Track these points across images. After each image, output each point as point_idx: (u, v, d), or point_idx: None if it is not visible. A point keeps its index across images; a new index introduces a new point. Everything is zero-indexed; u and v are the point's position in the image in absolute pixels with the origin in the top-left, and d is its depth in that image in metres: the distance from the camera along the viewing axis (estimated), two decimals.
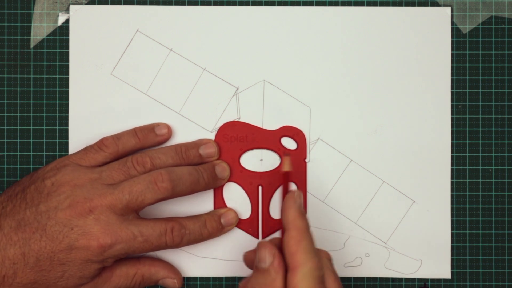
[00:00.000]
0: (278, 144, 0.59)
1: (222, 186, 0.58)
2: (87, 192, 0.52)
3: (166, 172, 0.53)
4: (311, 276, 0.48)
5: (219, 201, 0.58)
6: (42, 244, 0.51)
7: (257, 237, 0.59)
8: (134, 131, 0.57)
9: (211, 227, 0.56)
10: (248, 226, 0.58)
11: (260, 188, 0.58)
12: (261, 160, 0.59)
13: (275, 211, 0.59)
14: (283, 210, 0.51)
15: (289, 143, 0.59)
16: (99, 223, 0.52)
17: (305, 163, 0.59)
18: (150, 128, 0.58)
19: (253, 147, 0.58)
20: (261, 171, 0.58)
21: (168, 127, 0.58)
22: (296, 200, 0.51)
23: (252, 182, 0.58)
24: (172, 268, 0.57)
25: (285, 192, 0.52)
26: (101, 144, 0.56)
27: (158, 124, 0.58)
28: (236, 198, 0.59)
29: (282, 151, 0.58)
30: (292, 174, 0.58)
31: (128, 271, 0.56)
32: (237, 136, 0.58)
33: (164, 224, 0.54)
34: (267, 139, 0.59)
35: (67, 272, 0.52)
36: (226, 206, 0.58)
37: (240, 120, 0.59)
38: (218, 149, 0.58)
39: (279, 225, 0.54)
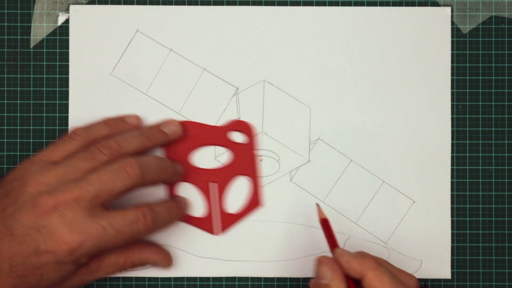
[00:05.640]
0: (226, 139, 0.59)
1: (174, 185, 0.58)
2: (52, 189, 0.51)
3: (134, 159, 0.53)
4: None
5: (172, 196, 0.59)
6: (12, 250, 0.50)
7: (214, 233, 0.59)
8: (105, 121, 0.57)
9: (177, 209, 0.56)
10: (204, 223, 0.59)
11: (211, 184, 0.58)
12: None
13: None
14: (344, 262, 0.50)
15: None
16: (64, 221, 0.50)
17: (255, 155, 0.59)
18: (120, 118, 0.58)
19: (201, 144, 0.59)
20: (212, 168, 0.58)
21: (138, 117, 0.58)
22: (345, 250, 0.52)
23: (204, 180, 0.58)
24: (161, 251, 0.57)
25: (328, 236, 0.53)
26: (72, 134, 0.55)
27: (128, 115, 0.58)
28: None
29: (231, 146, 0.58)
30: (242, 166, 0.59)
31: (117, 260, 0.55)
32: (185, 135, 0.58)
33: (134, 211, 0.52)
34: (215, 136, 0.59)
35: (45, 274, 0.50)
36: None
37: (187, 120, 0.59)
38: (182, 128, 0.58)
39: (237, 219, 0.58)
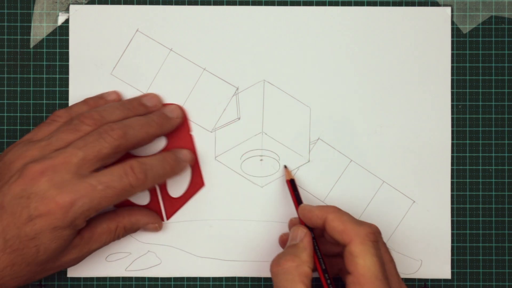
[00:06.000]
0: None
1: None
2: (38, 158, 0.51)
3: (115, 123, 0.53)
4: (369, 240, 0.49)
5: None
6: (4, 223, 0.49)
7: (162, 219, 0.59)
8: (85, 100, 0.57)
9: (171, 158, 0.55)
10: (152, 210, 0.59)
11: None
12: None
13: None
14: (306, 212, 0.53)
15: None
16: (53, 184, 0.49)
17: (190, 136, 0.59)
18: (100, 96, 0.58)
19: None
20: (151, 155, 0.58)
21: (117, 93, 0.58)
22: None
23: None
24: (151, 214, 0.58)
25: (294, 196, 0.56)
26: (54, 116, 0.55)
27: (107, 92, 0.58)
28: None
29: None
30: (181, 148, 0.58)
31: (109, 226, 0.55)
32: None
33: (121, 166, 0.52)
34: None
35: (41, 246, 0.50)
36: None
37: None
38: (162, 102, 0.58)
39: (182, 203, 0.58)
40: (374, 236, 0.50)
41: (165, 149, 0.59)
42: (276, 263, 0.51)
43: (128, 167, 0.52)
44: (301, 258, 0.51)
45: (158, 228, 0.58)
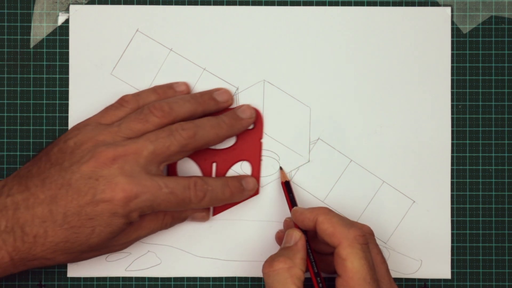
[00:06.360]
0: None
1: (175, 163, 0.58)
2: (109, 144, 0.52)
3: (187, 122, 0.54)
4: (357, 243, 0.50)
5: (173, 175, 0.58)
6: (68, 199, 0.51)
7: (212, 215, 0.59)
8: (154, 88, 0.57)
9: (233, 186, 0.56)
10: None
11: (214, 165, 0.58)
12: None
13: None
14: (298, 215, 0.53)
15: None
16: (123, 173, 0.51)
17: (260, 143, 0.59)
18: (169, 85, 0.58)
19: None
20: (215, 149, 0.58)
21: (187, 84, 0.58)
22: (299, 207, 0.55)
23: (206, 159, 0.58)
24: None
25: (288, 198, 0.56)
26: (121, 100, 0.56)
27: (177, 82, 0.58)
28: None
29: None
30: (246, 152, 0.58)
31: (157, 214, 0.55)
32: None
33: (187, 179, 0.54)
34: None
35: (97, 227, 0.51)
36: None
37: None
38: (233, 98, 0.58)
39: (231, 204, 0.58)
40: (363, 239, 0.50)
41: (231, 148, 0.58)
42: (268, 264, 0.51)
43: (192, 182, 0.54)
44: (294, 261, 0.51)
45: (206, 217, 0.58)
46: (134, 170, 0.51)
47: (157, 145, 0.52)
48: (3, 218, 0.50)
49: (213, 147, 0.58)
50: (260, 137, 0.59)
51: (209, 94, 0.57)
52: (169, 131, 0.53)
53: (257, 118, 0.59)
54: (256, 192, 0.58)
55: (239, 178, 0.57)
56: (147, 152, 0.52)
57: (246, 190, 0.57)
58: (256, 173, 0.59)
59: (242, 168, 0.59)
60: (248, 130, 0.59)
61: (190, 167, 0.59)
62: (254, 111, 0.58)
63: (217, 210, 0.59)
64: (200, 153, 0.58)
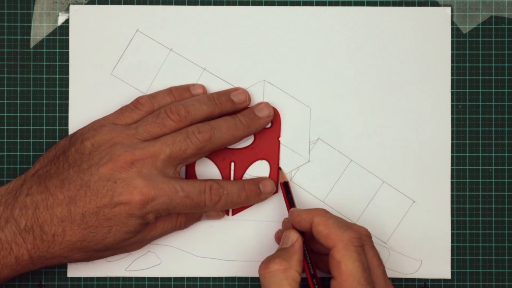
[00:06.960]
0: None
1: (194, 163, 0.58)
2: (127, 147, 0.53)
3: (203, 124, 0.54)
4: (352, 245, 0.50)
5: (191, 176, 0.58)
6: (87, 200, 0.52)
7: (228, 214, 0.59)
8: (169, 90, 0.57)
9: (250, 190, 0.56)
10: None
11: (232, 164, 0.58)
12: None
13: None
14: (295, 216, 0.53)
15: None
16: (141, 176, 0.52)
17: (278, 141, 0.59)
18: (186, 88, 0.58)
19: None
20: (234, 148, 0.58)
21: (203, 87, 0.58)
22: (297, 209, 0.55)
23: (224, 158, 0.58)
24: None
25: (286, 199, 0.57)
26: (137, 103, 0.56)
27: (193, 84, 0.58)
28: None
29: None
30: (264, 151, 0.58)
31: (172, 214, 0.56)
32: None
33: (203, 183, 0.54)
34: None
35: (113, 227, 0.52)
36: None
37: None
38: (250, 98, 0.58)
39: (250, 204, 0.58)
40: (359, 241, 0.50)
41: (250, 148, 0.58)
42: (264, 265, 0.51)
43: (208, 186, 0.54)
44: (290, 262, 0.51)
45: (221, 215, 0.58)
46: (152, 173, 0.52)
47: (174, 148, 0.53)
48: (23, 217, 0.51)
49: (231, 146, 0.58)
50: (278, 136, 0.59)
51: (226, 95, 0.57)
52: (186, 134, 0.53)
53: (275, 117, 0.59)
54: (275, 191, 0.58)
55: (257, 181, 0.57)
56: (164, 155, 0.53)
57: (263, 193, 0.57)
58: (274, 171, 0.59)
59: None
60: (266, 129, 0.59)
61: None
62: (272, 109, 0.58)
63: (236, 210, 0.59)
64: (218, 153, 0.58)
